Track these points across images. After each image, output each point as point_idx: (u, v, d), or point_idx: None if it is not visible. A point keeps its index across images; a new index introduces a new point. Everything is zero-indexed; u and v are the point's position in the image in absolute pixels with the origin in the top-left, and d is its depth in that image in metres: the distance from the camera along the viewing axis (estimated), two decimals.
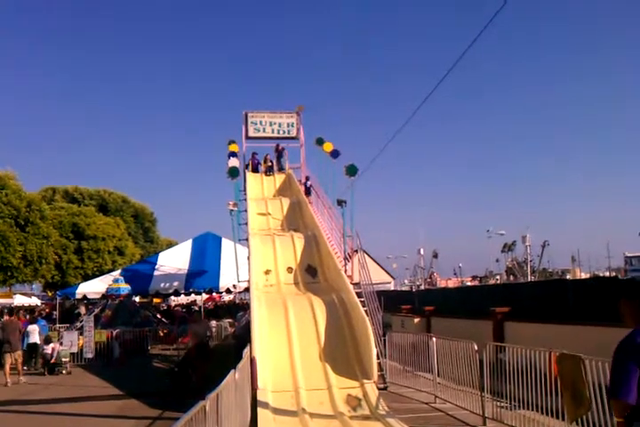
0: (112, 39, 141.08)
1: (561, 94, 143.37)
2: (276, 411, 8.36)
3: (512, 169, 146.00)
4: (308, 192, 18.86)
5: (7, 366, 15.45)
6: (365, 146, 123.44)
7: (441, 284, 71.57)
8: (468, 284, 66.38)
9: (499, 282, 61.08)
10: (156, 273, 24.82)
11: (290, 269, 14.03)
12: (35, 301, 44.27)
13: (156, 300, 36.45)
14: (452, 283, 72.87)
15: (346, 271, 13.58)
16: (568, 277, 55.34)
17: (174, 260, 25.61)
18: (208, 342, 15.56)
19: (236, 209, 16.29)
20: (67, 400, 12.56)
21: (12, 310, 25.51)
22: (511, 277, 64.97)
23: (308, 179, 19.81)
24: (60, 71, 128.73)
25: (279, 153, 22.14)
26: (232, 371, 7.04)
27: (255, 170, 21.55)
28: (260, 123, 21.94)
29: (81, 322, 21.02)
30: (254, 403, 8.44)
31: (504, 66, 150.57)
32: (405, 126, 23.11)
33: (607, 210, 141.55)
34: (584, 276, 58.83)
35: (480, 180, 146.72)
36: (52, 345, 17.31)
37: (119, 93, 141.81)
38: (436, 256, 76.64)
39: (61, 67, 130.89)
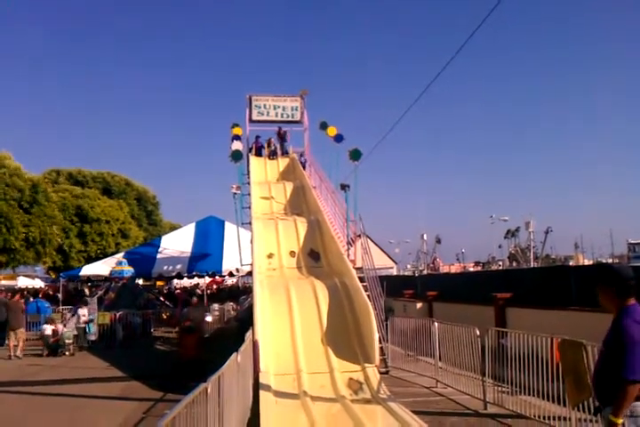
0: (113, 21, 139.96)
1: (565, 81, 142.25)
2: (278, 394, 8.38)
3: (516, 155, 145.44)
4: (303, 167, 19.53)
5: (11, 343, 16.75)
6: (370, 130, 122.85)
7: (443, 269, 71.45)
8: (471, 269, 66.40)
9: (501, 268, 61.04)
10: (159, 256, 24.88)
11: (292, 254, 14.01)
12: (38, 283, 44.44)
13: (159, 283, 36.57)
14: (455, 268, 72.74)
15: (348, 256, 13.55)
16: (571, 263, 55.22)
17: (177, 243, 25.65)
18: (199, 326, 15.65)
19: (239, 193, 16.27)
20: (69, 382, 12.65)
21: (16, 292, 26.17)
22: (514, 264, 64.92)
23: (302, 155, 20.66)
24: (61, 54, 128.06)
25: (282, 137, 22.06)
26: (234, 354, 7.06)
27: (258, 153, 21.47)
28: (264, 106, 21.85)
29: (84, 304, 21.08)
30: (256, 386, 8.47)
31: (510, 50, 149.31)
32: (410, 111, 23.06)
33: (611, 197, 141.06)
34: (587, 262, 58.70)
35: (484, 166, 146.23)
36: (48, 326, 17.43)
37: (120, 75, 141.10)
38: (439, 241, 76.54)
39: (62, 50, 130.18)
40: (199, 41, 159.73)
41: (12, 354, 16.49)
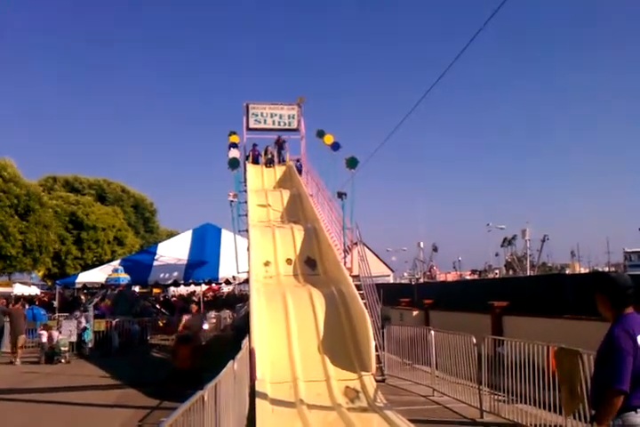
0: (112, 27, 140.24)
1: (562, 90, 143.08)
2: (275, 402, 8.38)
3: (513, 164, 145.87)
4: (299, 173, 19.86)
5: (10, 350, 17.32)
6: (367, 138, 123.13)
7: (440, 277, 71.47)
8: (468, 277, 66.41)
9: (498, 276, 61.09)
10: (155, 263, 24.81)
11: (289, 261, 14.03)
12: (34, 290, 44.22)
13: (155, 290, 36.46)
14: (452, 276, 72.79)
15: (345, 264, 13.58)
16: (567, 271, 55.27)
17: (174, 250, 25.60)
18: (197, 335, 15.56)
19: (236, 200, 16.31)
20: (65, 389, 12.59)
21: (18, 299, 26.48)
22: (510, 272, 65.02)
23: (298, 160, 20.99)
24: (60, 61, 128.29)
25: (280, 145, 22.15)
26: (231, 361, 7.05)
27: (256, 161, 21.55)
28: (261, 114, 21.92)
29: (83, 311, 21.03)
30: (253, 394, 8.46)
31: (506, 60, 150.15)
32: (407, 119, 23.17)
33: (607, 205, 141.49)
34: (583, 271, 58.77)
35: (481, 174, 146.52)
36: (44, 333, 17.43)
37: (118, 82, 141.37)
38: (435, 250, 76.53)
39: (61, 56, 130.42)
40: (197, 49, 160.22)
41: (10, 361, 16.79)
